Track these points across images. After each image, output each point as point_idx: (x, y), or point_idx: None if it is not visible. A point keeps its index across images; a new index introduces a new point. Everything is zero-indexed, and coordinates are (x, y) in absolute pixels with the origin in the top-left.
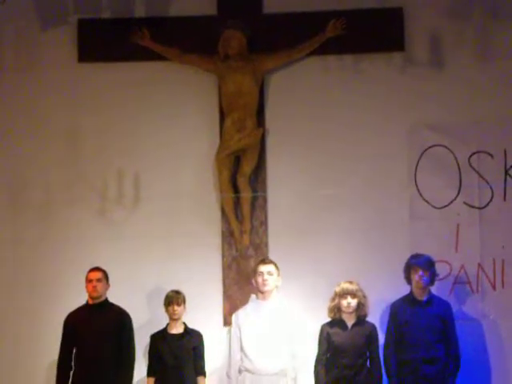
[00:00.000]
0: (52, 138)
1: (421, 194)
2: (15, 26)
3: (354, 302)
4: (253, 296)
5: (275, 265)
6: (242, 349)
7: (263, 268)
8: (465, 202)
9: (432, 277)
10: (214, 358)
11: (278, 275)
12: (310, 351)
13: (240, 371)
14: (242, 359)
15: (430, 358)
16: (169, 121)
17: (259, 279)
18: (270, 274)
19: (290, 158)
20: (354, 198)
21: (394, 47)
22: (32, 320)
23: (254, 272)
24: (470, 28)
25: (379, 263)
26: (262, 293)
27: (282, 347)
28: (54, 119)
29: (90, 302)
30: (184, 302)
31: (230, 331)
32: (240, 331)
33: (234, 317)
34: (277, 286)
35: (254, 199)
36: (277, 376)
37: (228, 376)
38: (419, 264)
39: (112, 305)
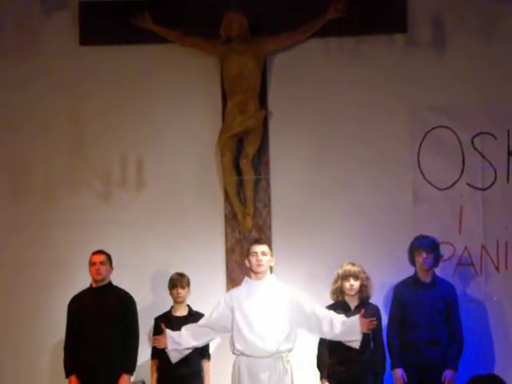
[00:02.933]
0: (54, 122)
1: (424, 176)
2: (16, 10)
3: (356, 283)
4: (246, 278)
5: (268, 245)
6: (236, 331)
7: (257, 248)
8: (468, 184)
9: (436, 259)
10: (216, 339)
11: (272, 255)
12: (307, 333)
13: (235, 354)
14: (236, 341)
15: (433, 339)
16: (171, 104)
17: (253, 259)
18: (264, 254)
19: (293, 140)
20: (357, 179)
21: (396, 29)
22: (36, 304)
23: (248, 252)
24: (472, 9)
25: (383, 245)
26: (256, 273)
27: (279, 328)
28: (55, 103)
29: (94, 285)
30: (188, 284)
31: (217, 304)
32: (232, 313)
33: (226, 295)
34: (270, 267)
35: (257, 182)
36: (273, 358)
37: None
38: (423, 246)
39: (116, 288)
